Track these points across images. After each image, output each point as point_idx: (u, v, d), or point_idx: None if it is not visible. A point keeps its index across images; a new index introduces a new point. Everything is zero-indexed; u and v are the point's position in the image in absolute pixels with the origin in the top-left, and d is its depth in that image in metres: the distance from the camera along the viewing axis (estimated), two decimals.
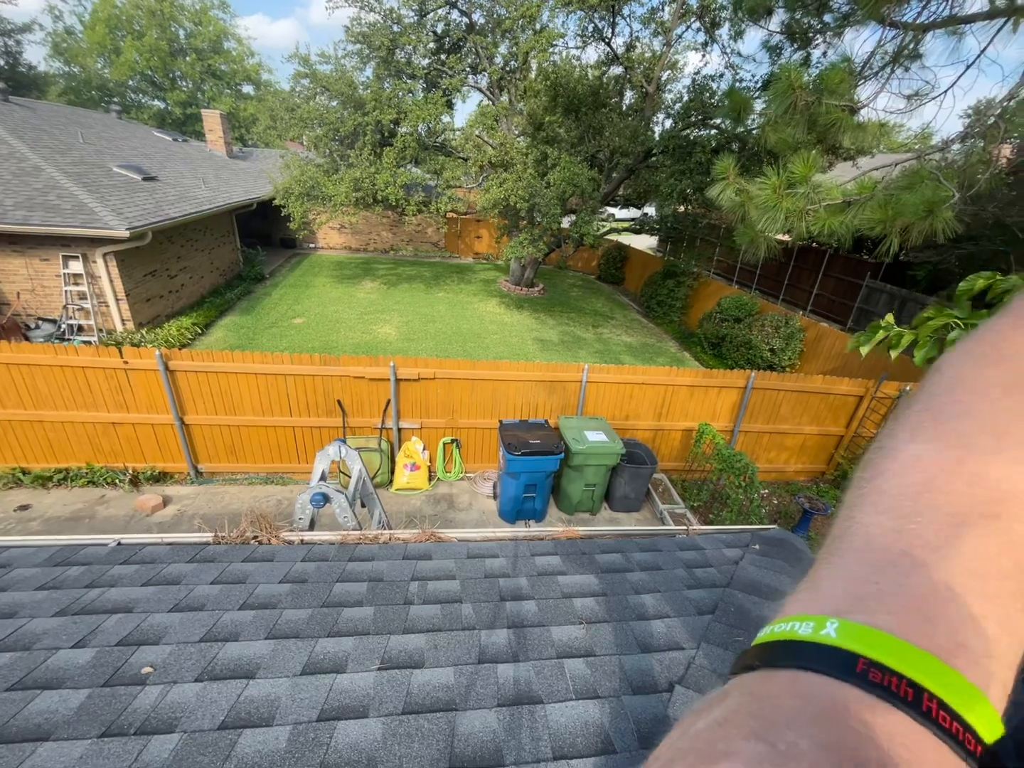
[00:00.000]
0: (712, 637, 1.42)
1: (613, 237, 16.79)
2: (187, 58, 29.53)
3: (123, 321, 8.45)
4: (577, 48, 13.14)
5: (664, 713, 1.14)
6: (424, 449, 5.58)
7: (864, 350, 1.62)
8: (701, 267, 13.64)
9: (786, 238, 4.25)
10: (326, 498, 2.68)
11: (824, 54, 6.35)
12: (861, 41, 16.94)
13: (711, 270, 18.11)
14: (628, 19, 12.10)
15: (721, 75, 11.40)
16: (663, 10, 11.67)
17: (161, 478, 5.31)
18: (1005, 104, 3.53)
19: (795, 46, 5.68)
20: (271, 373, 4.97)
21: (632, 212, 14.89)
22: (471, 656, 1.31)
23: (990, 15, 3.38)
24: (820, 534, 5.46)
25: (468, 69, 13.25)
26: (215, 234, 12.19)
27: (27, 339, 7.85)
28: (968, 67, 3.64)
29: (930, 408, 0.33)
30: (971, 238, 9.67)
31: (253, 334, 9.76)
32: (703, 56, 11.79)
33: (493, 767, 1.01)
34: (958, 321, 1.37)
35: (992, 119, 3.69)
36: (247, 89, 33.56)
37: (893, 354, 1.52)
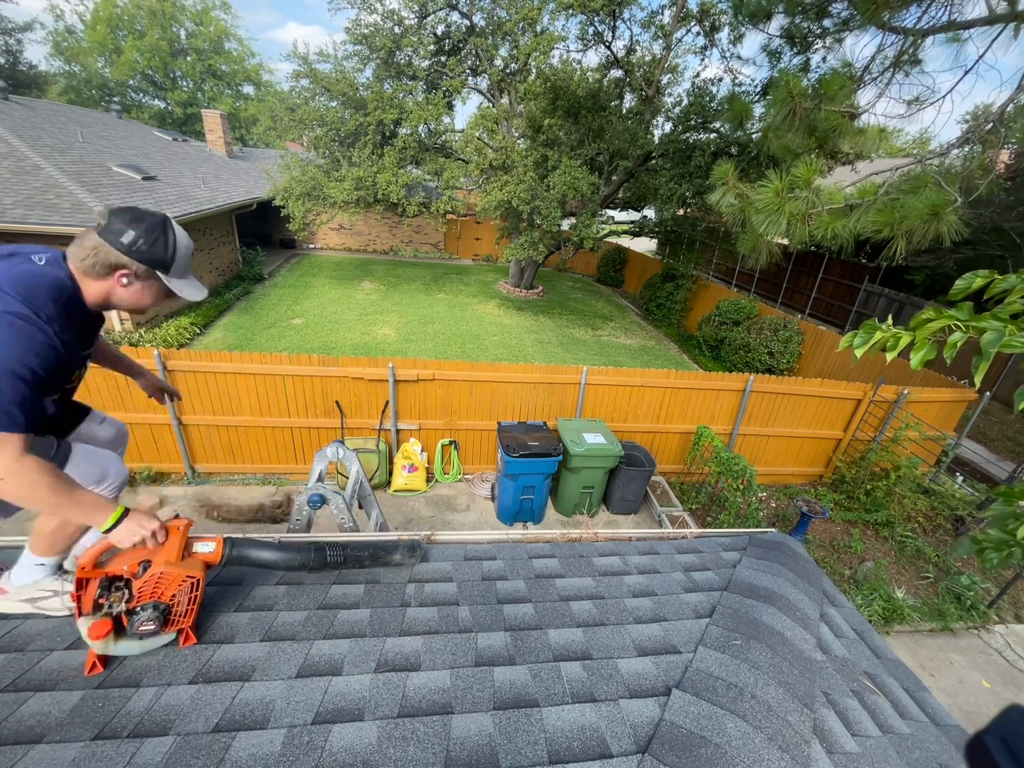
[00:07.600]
0: (710, 640, 1.41)
1: (612, 240, 16.81)
2: (188, 58, 29.52)
3: (121, 320, 8.43)
4: (578, 52, 13.16)
5: (661, 717, 1.14)
6: (422, 450, 5.56)
7: (859, 351, 1.51)
8: (700, 270, 13.68)
9: (785, 242, 4.25)
10: (323, 499, 2.67)
11: (824, 59, 6.39)
12: (861, 46, 16.94)
13: (710, 273, 18.15)
14: (628, 22, 12.11)
15: (720, 79, 11.44)
16: (663, 13, 11.71)
17: (158, 478, 5.29)
18: (1004, 110, 3.55)
19: (795, 50, 5.70)
20: (269, 373, 4.95)
21: (631, 215, 14.92)
22: (468, 659, 1.31)
23: (989, 21, 3.40)
24: (818, 537, 5.46)
25: (468, 71, 13.26)
26: (214, 234, 12.18)
27: None
28: (967, 72, 3.65)
29: None
30: (969, 243, 9.72)
31: (252, 334, 9.74)
32: (703, 60, 11.83)
33: None
34: (959, 323, 1.33)
35: (991, 124, 3.70)
36: (248, 89, 33.57)
37: (889, 356, 1.45)
